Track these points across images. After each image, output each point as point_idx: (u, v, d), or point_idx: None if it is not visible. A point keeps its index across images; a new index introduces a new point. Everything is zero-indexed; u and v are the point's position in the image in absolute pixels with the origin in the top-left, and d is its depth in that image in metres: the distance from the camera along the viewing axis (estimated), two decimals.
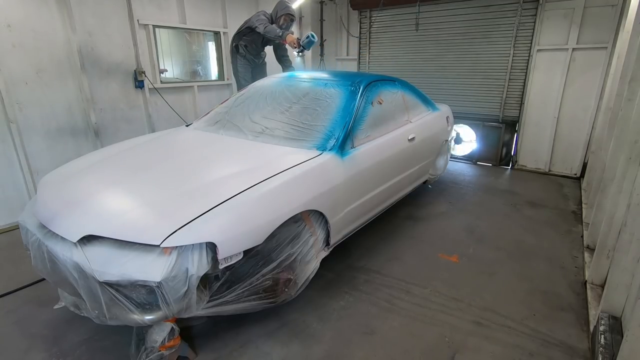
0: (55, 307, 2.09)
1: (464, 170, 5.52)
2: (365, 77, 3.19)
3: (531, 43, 5.00)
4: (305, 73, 3.54)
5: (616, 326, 1.98)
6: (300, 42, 3.99)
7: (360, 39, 6.60)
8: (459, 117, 5.61)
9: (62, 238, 1.73)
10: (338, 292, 2.55)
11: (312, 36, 3.80)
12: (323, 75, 3.36)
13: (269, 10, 4.39)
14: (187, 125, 3.29)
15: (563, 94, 4.91)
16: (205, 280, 1.74)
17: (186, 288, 1.59)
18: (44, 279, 2.52)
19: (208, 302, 1.75)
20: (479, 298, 2.51)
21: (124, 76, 4.17)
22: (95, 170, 2.28)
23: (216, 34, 5.16)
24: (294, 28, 6.42)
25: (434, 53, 5.81)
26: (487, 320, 2.30)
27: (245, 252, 1.81)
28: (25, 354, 2.02)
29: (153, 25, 4.31)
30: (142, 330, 1.83)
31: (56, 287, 2.04)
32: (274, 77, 3.54)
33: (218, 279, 1.79)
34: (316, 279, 2.30)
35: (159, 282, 1.54)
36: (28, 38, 3.36)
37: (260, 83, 3.48)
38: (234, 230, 1.74)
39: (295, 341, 2.12)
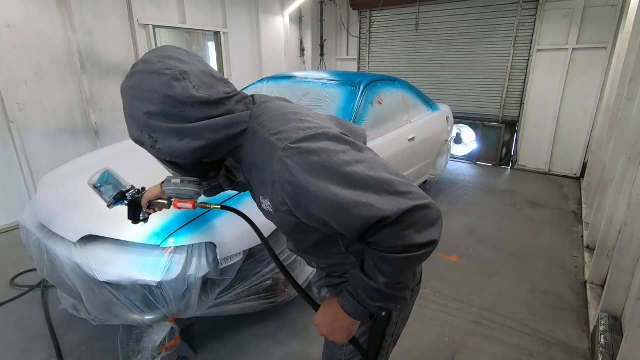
0: (60, 307, 2.09)
1: (464, 170, 5.52)
2: (365, 77, 3.19)
3: (531, 43, 5.00)
4: (305, 73, 3.54)
5: (616, 326, 1.98)
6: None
7: (360, 39, 6.60)
8: (459, 117, 5.61)
9: (62, 238, 1.73)
10: None
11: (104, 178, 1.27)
12: (323, 75, 3.36)
13: None
14: None
15: (563, 94, 4.91)
16: (209, 283, 1.74)
17: (186, 288, 1.59)
18: (40, 284, 2.52)
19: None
20: (479, 298, 2.51)
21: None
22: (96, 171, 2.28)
23: (216, 34, 5.16)
24: (299, 30, 6.41)
25: (434, 53, 5.81)
26: (487, 320, 2.30)
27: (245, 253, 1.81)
28: (25, 354, 2.02)
29: (153, 25, 4.30)
30: (127, 336, 1.83)
31: (57, 288, 2.03)
32: (272, 77, 3.54)
33: (226, 281, 1.79)
34: None
35: (159, 282, 1.54)
36: (28, 38, 3.36)
37: (258, 83, 3.48)
38: (234, 230, 1.74)
39: (294, 341, 2.12)
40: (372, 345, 1.06)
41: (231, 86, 0.89)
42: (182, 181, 1.02)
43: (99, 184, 1.24)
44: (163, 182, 1.08)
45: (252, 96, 0.95)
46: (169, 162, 0.90)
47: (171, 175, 1.05)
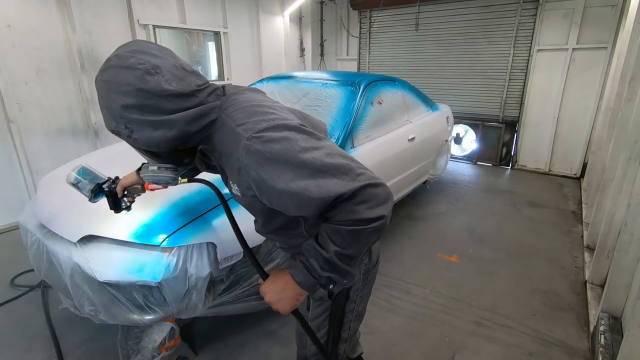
0: (61, 307, 2.09)
1: (464, 170, 5.52)
2: (365, 77, 3.19)
3: (531, 43, 5.00)
4: (305, 73, 3.54)
5: (616, 326, 1.97)
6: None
7: (360, 39, 6.60)
8: (459, 117, 5.61)
9: (62, 238, 1.73)
10: None
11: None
12: (323, 75, 3.36)
13: None
14: None
15: (563, 94, 4.91)
16: (209, 284, 1.74)
17: (186, 288, 1.59)
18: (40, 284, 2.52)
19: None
20: (479, 298, 2.51)
21: None
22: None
23: (216, 34, 5.16)
24: (296, 29, 6.43)
25: (434, 53, 5.81)
26: (487, 320, 2.30)
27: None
28: (25, 354, 2.02)
29: (153, 25, 4.31)
30: (127, 336, 1.83)
31: (55, 289, 2.03)
32: (272, 77, 3.54)
33: (223, 282, 1.79)
34: None
35: (159, 282, 1.54)
36: (28, 38, 3.36)
37: (258, 83, 3.48)
38: None
39: (294, 341, 2.12)
40: (332, 322, 1.15)
41: (202, 78, 0.93)
42: (159, 168, 1.07)
43: (76, 181, 1.25)
44: (140, 169, 1.13)
45: (223, 87, 1.00)
46: (145, 150, 0.94)
47: (147, 162, 1.08)
